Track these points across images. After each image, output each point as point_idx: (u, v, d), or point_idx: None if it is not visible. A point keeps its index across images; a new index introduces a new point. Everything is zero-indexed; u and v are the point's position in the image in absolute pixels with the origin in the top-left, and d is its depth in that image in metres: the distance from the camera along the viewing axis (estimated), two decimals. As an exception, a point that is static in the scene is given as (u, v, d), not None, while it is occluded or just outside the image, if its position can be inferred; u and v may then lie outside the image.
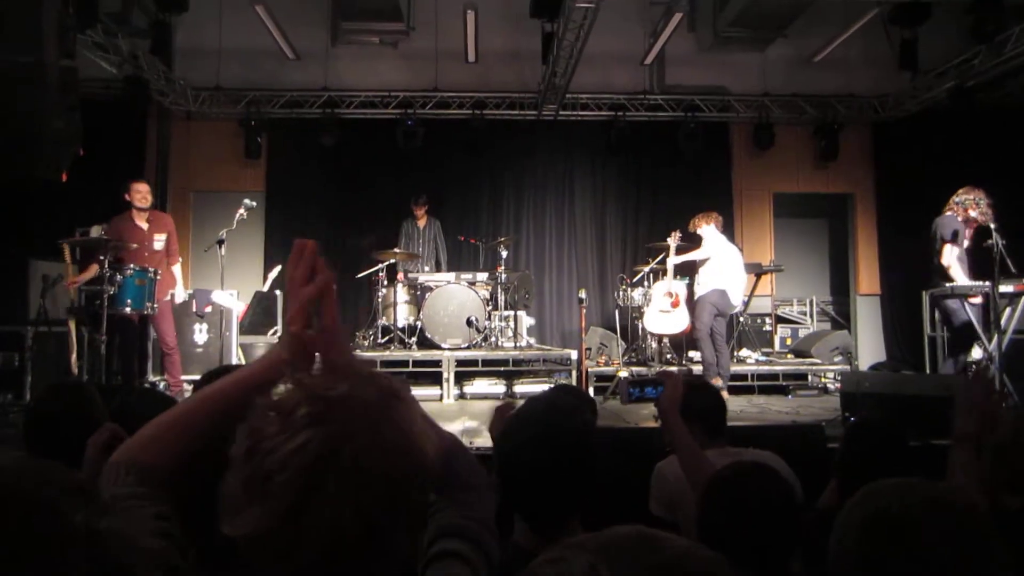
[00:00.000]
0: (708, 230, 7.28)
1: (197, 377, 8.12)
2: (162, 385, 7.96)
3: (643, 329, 7.95)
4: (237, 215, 6.36)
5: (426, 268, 9.11)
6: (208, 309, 8.11)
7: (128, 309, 6.99)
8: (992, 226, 5.72)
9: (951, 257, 6.08)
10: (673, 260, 7.41)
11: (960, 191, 6.25)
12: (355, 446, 0.87)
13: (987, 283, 5.98)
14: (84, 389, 2.35)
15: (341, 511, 0.85)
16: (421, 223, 9.13)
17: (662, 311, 7.37)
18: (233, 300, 7.27)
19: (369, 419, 0.91)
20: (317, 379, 0.95)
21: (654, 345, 8.01)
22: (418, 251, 9.03)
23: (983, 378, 2.17)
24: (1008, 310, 6.15)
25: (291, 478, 0.85)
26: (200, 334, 8.21)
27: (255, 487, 0.86)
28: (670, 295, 7.35)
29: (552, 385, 7.64)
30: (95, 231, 6.97)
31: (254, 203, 6.41)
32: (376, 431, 0.90)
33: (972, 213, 5.97)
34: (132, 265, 6.24)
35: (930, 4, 7.23)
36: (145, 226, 6.34)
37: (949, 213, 6.28)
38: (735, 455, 2.45)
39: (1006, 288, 6.02)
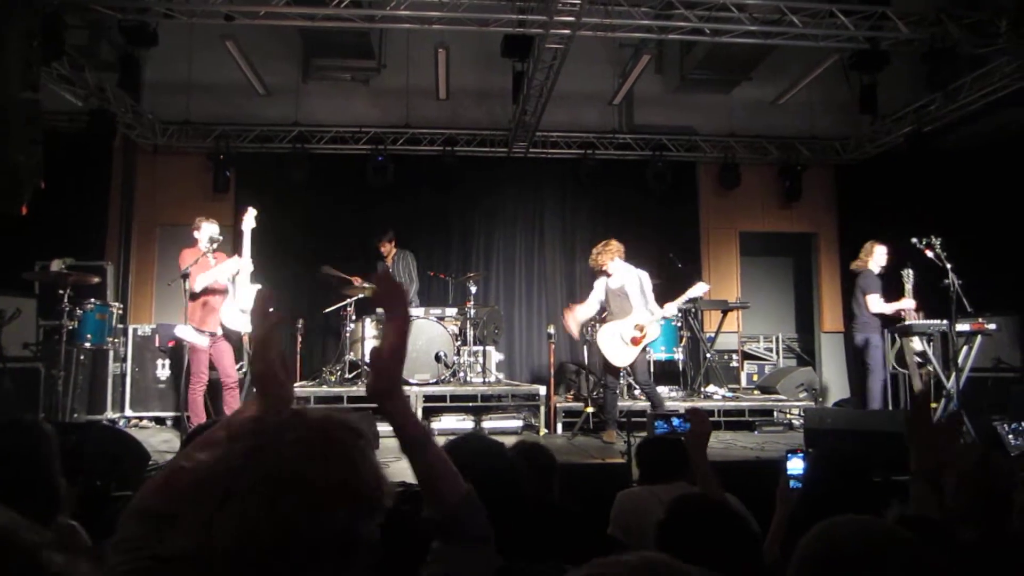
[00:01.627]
0: (616, 265, 6.82)
1: (159, 414, 7.99)
2: (122, 422, 7.80)
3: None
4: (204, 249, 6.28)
5: None
6: (171, 344, 7.98)
7: (88, 344, 6.86)
8: (949, 267, 5.87)
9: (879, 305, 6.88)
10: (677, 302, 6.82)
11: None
12: (273, 456, 0.86)
13: (944, 322, 6.13)
14: (37, 427, 2.28)
15: (252, 519, 0.83)
16: (389, 261, 9.07)
17: (623, 339, 6.70)
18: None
19: (300, 436, 0.89)
20: (270, 409, 0.96)
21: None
22: None
23: (925, 408, 2.20)
24: (965, 348, 6.30)
25: (207, 489, 0.85)
26: (163, 370, 8.07)
27: (178, 506, 0.86)
28: (640, 329, 6.67)
29: (522, 424, 7.61)
30: (55, 265, 6.85)
31: (220, 237, 6.34)
32: (303, 446, 0.88)
33: (929, 254, 6.11)
34: (93, 300, 6.13)
35: (888, 52, 7.47)
36: (213, 261, 6.35)
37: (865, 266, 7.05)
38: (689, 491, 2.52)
39: (962, 327, 6.18)
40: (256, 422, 0.91)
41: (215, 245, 6.22)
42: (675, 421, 2.66)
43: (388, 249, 9.04)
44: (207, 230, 6.35)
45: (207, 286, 6.15)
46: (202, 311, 6.21)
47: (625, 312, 6.75)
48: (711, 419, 8.05)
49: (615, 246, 6.84)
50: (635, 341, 6.67)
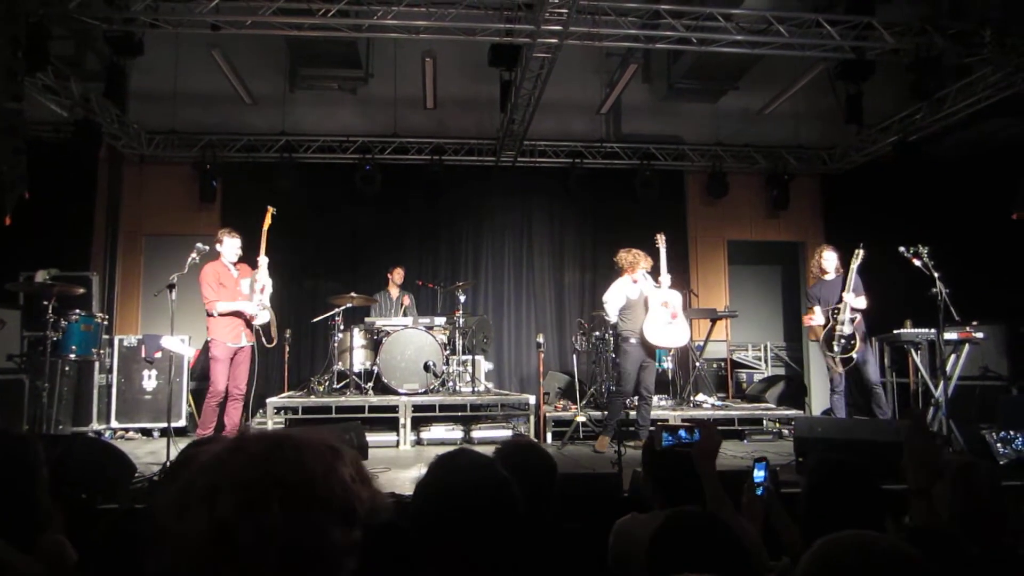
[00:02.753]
0: (640, 275, 6.97)
1: (146, 425, 7.91)
2: (108, 434, 7.72)
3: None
4: (189, 259, 6.23)
5: None
6: (158, 355, 7.91)
7: (73, 355, 6.79)
8: (936, 275, 5.89)
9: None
10: (664, 265, 6.98)
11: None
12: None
13: (932, 330, 6.16)
14: (25, 440, 2.24)
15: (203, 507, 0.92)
16: (394, 292, 8.98)
17: (666, 323, 6.79)
18: (184, 346, 7.07)
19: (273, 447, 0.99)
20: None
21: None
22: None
23: (919, 423, 2.19)
24: (953, 357, 6.33)
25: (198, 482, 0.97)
26: (149, 380, 7.99)
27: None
28: (666, 305, 6.82)
29: (512, 433, 7.58)
30: (40, 275, 6.78)
31: (207, 247, 6.29)
32: (282, 455, 0.98)
33: (917, 263, 6.11)
34: (78, 311, 6.08)
35: (874, 62, 7.53)
36: (236, 273, 6.48)
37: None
38: None
39: (950, 335, 6.20)
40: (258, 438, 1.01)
41: (198, 259, 6.20)
42: (681, 433, 2.56)
43: (398, 280, 8.94)
44: (229, 244, 6.44)
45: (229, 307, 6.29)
46: (229, 326, 6.30)
47: (637, 320, 6.84)
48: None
49: (642, 255, 6.98)
50: (674, 315, 6.83)
